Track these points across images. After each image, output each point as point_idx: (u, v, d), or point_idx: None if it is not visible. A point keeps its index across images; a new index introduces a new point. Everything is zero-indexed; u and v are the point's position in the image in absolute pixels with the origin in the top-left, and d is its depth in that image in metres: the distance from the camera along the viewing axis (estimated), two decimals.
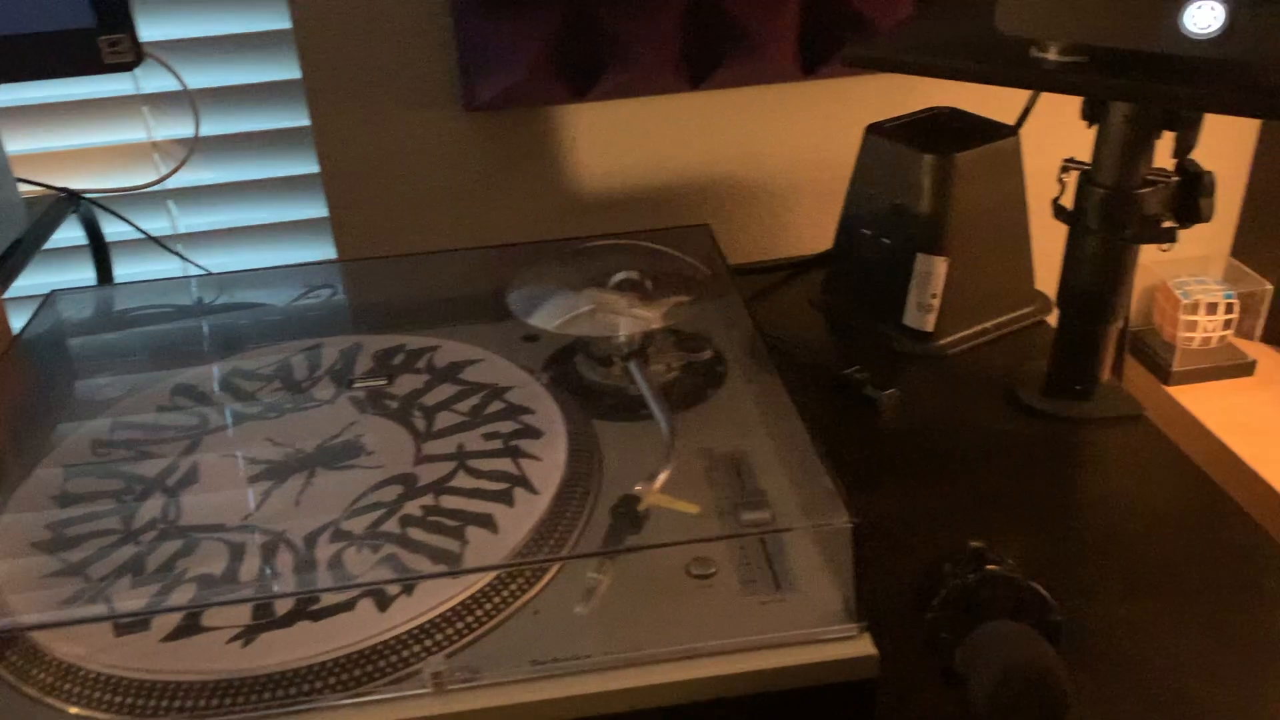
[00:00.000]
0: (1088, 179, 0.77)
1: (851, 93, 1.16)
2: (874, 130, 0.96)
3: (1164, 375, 1.27)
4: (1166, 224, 0.77)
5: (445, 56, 1.06)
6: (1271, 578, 0.67)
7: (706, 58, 1.07)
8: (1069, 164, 0.79)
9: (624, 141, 1.14)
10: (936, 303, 0.93)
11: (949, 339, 0.94)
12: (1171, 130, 0.73)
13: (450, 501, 0.61)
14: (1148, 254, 1.34)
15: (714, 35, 1.06)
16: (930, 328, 0.94)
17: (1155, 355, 1.29)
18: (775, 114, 1.16)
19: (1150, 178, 0.76)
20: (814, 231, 1.24)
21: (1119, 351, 0.95)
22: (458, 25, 1.02)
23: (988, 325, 0.96)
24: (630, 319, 0.72)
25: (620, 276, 0.76)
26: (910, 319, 0.94)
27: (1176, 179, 0.77)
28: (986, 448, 0.82)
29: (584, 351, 0.74)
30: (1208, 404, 1.25)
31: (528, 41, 1.02)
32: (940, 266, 0.92)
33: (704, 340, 0.75)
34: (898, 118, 0.98)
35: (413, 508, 0.60)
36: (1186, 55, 0.61)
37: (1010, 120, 0.95)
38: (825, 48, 1.09)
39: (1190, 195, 0.77)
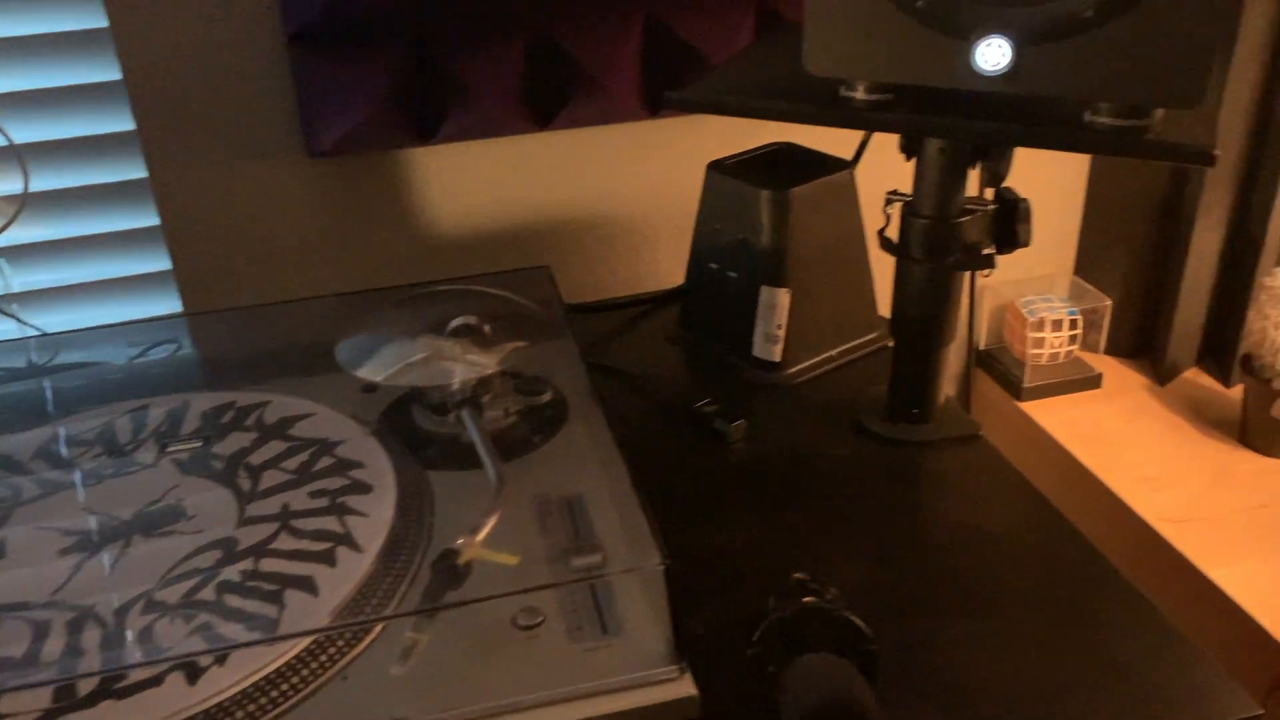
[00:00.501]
0: (910, 210, 0.79)
1: (697, 130, 1.18)
2: (715, 167, 0.97)
3: (1016, 391, 1.32)
4: (987, 251, 0.80)
5: (285, 103, 1.04)
6: (1103, 595, 0.69)
7: (552, 99, 1.08)
8: (892, 196, 0.81)
9: (474, 184, 1.14)
10: (782, 333, 0.94)
11: (796, 368, 0.96)
12: (984, 161, 0.76)
13: (270, 564, 0.59)
14: (996, 275, 1.40)
15: (557, 77, 1.07)
16: (778, 358, 0.95)
17: (1007, 372, 1.34)
18: (625, 152, 1.17)
19: (969, 207, 0.79)
20: (673, 265, 1.25)
21: (966, 371, 0.98)
22: (295, 70, 1.01)
23: (833, 353, 0.98)
24: (465, 365, 0.72)
25: (457, 322, 0.76)
26: (759, 350, 0.96)
27: (994, 207, 0.79)
28: (831, 474, 0.83)
29: (420, 401, 0.73)
30: (1058, 417, 1.29)
31: (368, 85, 1.01)
32: (783, 298, 0.93)
33: (544, 383, 0.75)
34: (739, 154, 1.00)
35: (231, 573, 0.59)
36: (985, 91, 0.64)
37: (850, 154, 0.98)
38: (669, 87, 1.10)
39: (1008, 222, 0.80)
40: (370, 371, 0.73)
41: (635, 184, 1.19)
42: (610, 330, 1.07)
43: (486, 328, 0.76)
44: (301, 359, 0.83)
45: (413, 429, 0.72)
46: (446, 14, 1.01)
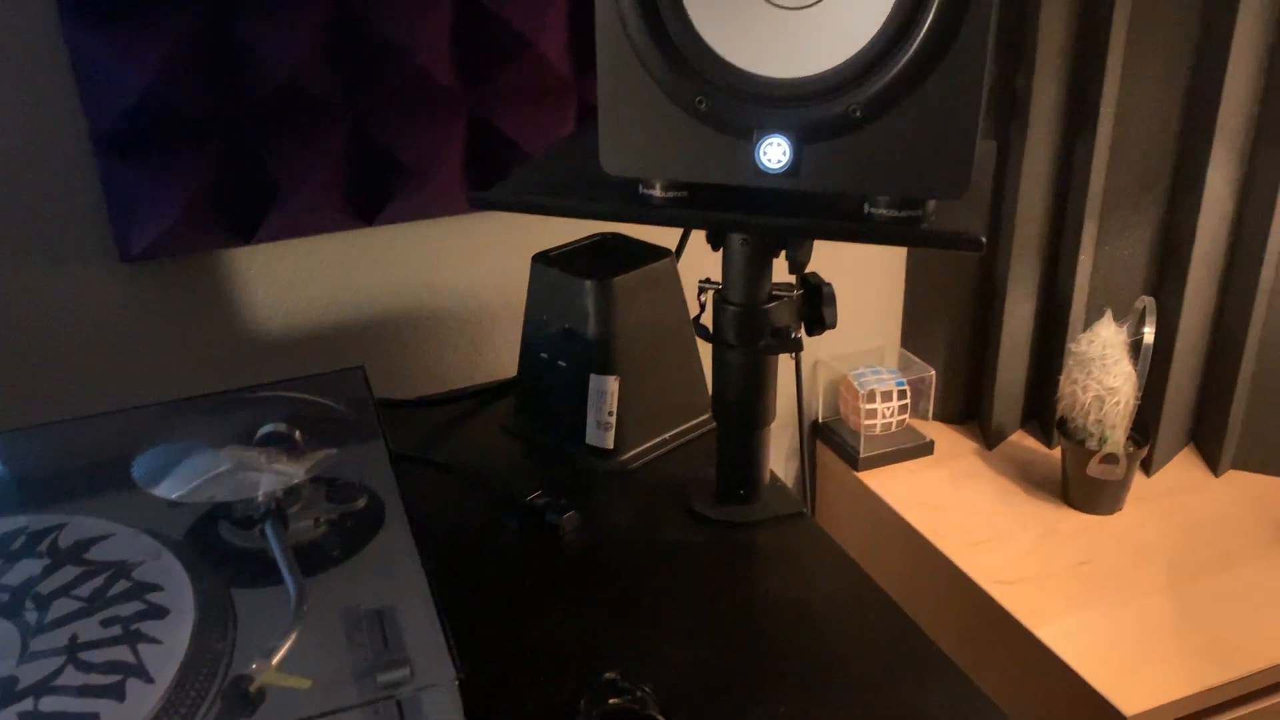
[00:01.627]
0: (722, 298, 0.82)
1: (524, 220, 1.19)
2: (540, 259, 0.98)
3: (854, 462, 1.36)
4: (796, 334, 0.83)
5: (94, 206, 1.01)
6: (918, 665, 0.71)
7: (376, 194, 1.08)
8: (704, 284, 0.84)
9: (299, 282, 1.12)
10: (613, 420, 0.95)
11: (630, 454, 0.97)
12: (785, 249, 0.79)
13: (51, 703, 0.55)
14: (829, 349, 1.44)
15: (380, 171, 1.07)
16: (611, 445, 0.96)
17: (845, 444, 1.38)
18: (454, 244, 1.17)
19: (776, 293, 0.81)
20: (508, 355, 1.25)
21: (803, 446, 1.00)
22: (103, 173, 0.98)
23: (666, 436, 0.99)
24: (271, 476, 0.70)
25: (265, 430, 0.74)
26: (592, 438, 0.96)
27: (800, 292, 0.82)
28: (663, 561, 0.83)
29: (226, 515, 0.70)
30: (894, 485, 1.33)
31: (181, 187, 0.99)
32: (612, 385, 0.94)
33: (358, 490, 0.73)
34: (564, 245, 1.02)
35: (8, 716, 0.55)
36: (773, 188, 0.67)
37: (674, 242, 1.00)
38: (493, 181, 1.12)
39: (814, 306, 0.83)
40: (168, 488, 0.70)
41: (465, 276, 1.20)
42: (445, 424, 1.06)
43: (296, 434, 0.74)
44: (105, 475, 0.79)
45: (219, 545, 0.70)
46: (261, 111, 1.00)
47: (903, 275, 1.43)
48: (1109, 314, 1.22)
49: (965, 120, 0.60)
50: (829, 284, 0.83)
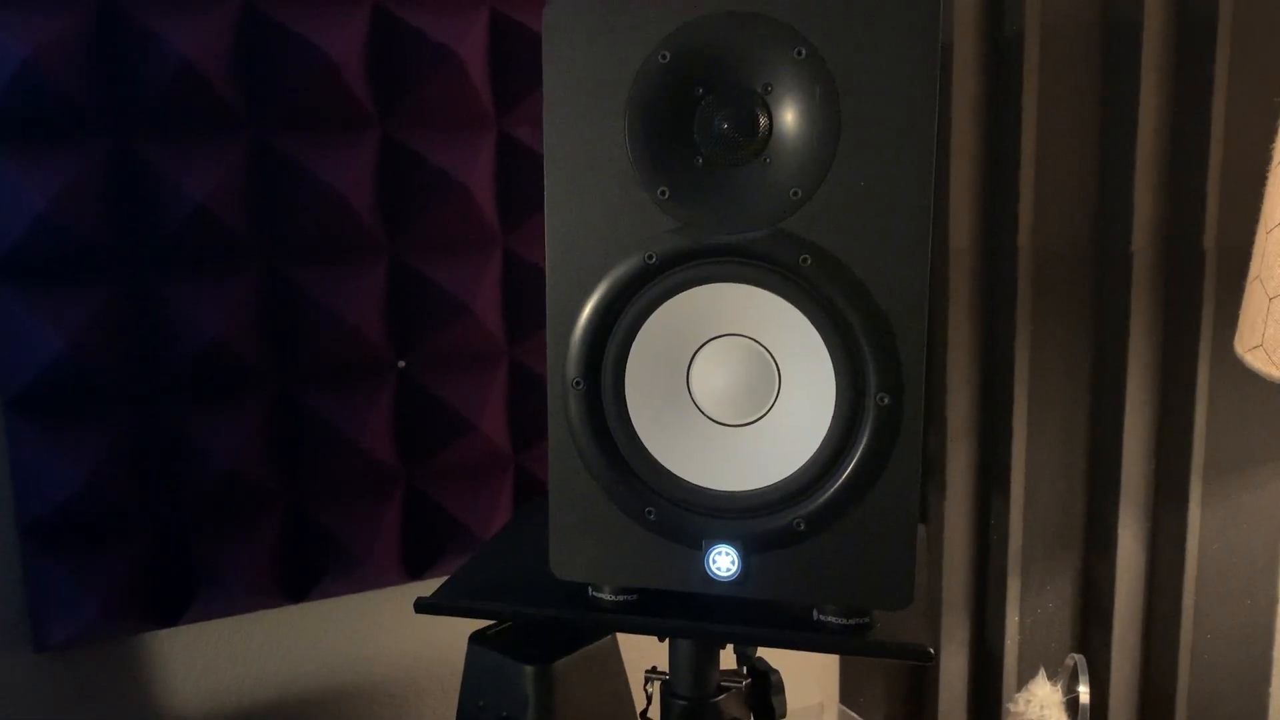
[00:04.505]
0: (669, 690, 0.80)
1: None
2: (477, 639, 0.96)
3: None
4: None
5: (10, 595, 0.97)
6: None
7: (308, 572, 1.06)
8: (650, 675, 0.82)
9: (223, 663, 1.07)
10: None
11: None
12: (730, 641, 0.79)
13: None
14: None
15: (313, 550, 1.06)
16: None
17: None
18: (386, 616, 1.15)
19: (724, 683, 0.80)
20: None
21: None
22: (26, 563, 0.95)
23: None
24: None
25: None
26: None
27: (748, 681, 0.81)
28: None
29: None
30: None
31: (106, 577, 0.96)
32: None
33: None
34: (502, 621, 1.00)
35: None
36: (719, 594, 0.68)
37: None
38: (430, 553, 1.11)
39: (763, 694, 0.82)
40: None
41: (396, 648, 1.16)
42: None
43: None
44: None
45: None
46: (196, 501, 1.00)
47: None
48: (1042, 672, 1.22)
49: (903, 536, 0.63)
50: (776, 670, 0.82)
